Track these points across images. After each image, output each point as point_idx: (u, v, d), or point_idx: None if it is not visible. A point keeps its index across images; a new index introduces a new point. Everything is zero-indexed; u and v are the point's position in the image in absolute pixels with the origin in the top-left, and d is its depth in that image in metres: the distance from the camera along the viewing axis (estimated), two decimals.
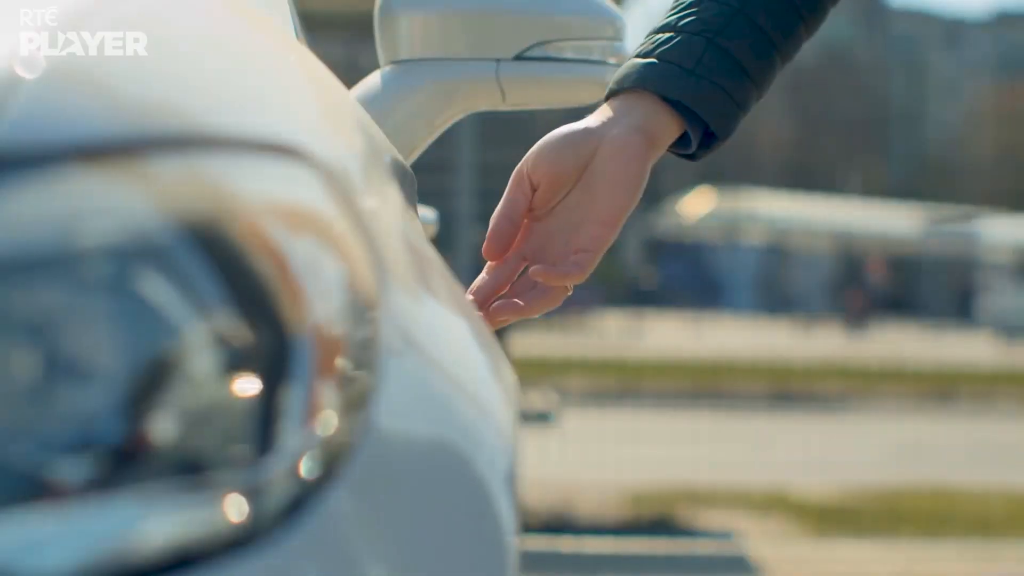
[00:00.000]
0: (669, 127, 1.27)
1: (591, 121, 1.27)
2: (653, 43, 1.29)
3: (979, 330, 34.96)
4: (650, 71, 1.26)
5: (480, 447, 0.89)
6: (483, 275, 1.25)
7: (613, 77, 1.29)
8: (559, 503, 7.46)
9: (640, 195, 1.26)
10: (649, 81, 1.26)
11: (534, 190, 1.26)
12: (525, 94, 1.49)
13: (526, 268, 1.26)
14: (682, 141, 1.30)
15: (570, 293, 1.26)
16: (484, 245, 1.25)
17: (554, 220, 1.26)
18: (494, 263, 1.25)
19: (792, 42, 1.32)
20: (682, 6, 1.30)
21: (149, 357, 0.69)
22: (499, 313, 1.22)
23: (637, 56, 1.29)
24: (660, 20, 1.31)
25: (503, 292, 1.25)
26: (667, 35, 1.29)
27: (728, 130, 1.29)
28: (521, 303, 1.23)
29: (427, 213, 1.97)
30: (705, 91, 1.26)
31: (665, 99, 1.26)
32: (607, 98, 1.29)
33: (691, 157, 1.32)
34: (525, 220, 1.27)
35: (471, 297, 1.23)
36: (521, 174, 1.26)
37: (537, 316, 1.25)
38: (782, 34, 1.30)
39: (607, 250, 1.30)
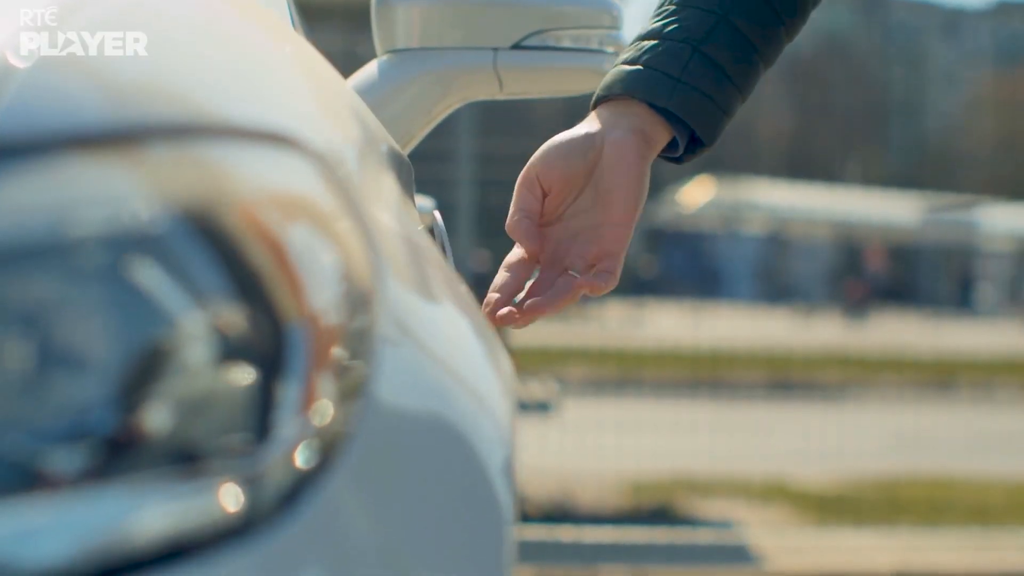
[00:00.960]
0: (660, 132, 1.29)
1: (589, 127, 1.28)
2: (639, 50, 1.31)
3: (979, 319, 34.96)
4: (638, 79, 1.28)
5: (477, 436, 0.88)
6: (503, 273, 1.26)
7: (601, 83, 1.31)
8: (559, 492, 7.46)
9: (646, 194, 1.29)
10: (638, 90, 1.28)
11: (545, 195, 1.28)
12: (523, 83, 1.49)
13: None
14: (669, 145, 1.32)
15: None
16: (522, 247, 1.27)
17: (567, 225, 1.29)
18: (512, 263, 1.27)
19: (773, 46, 1.34)
20: (666, 13, 1.32)
21: (144, 346, 0.69)
22: (533, 311, 1.24)
23: (624, 63, 1.30)
24: (644, 27, 1.33)
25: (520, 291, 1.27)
26: (652, 42, 1.30)
27: (714, 136, 1.31)
28: (549, 301, 1.24)
29: (425, 203, 1.97)
30: (692, 99, 1.28)
31: (653, 107, 1.28)
32: (595, 104, 1.30)
33: (677, 160, 1.34)
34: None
35: (497, 295, 1.24)
36: (531, 179, 1.27)
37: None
38: (763, 39, 1.32)
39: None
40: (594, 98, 1.31)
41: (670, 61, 1.28)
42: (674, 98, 1.27)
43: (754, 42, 1.32)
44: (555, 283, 1.26)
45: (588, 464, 7.96)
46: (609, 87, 1.30)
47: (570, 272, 1.26)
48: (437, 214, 1.33)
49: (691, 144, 1.32)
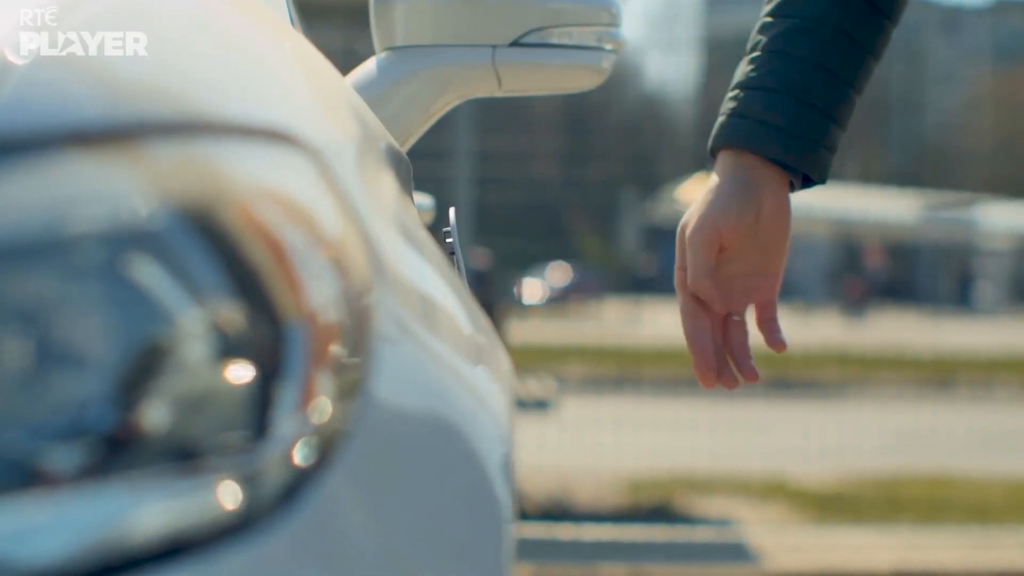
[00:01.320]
0: (785, 179, 1.41)
1: (744, 180, 1.38)
2: (742, 100, 1.40)
3: (978, 317, 34.96)
4: (754, 133, 1.38)
5: (476, 434, 0.88)
6: (693, 330, 1.39)
7: (715, 133, 1.40)
8: (557, 490, 7.46)
9: None
10: (754, 143, 1.38)
11: (722, 250, 1.38)
12: (521, 80, 1.48)
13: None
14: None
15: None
16: (714, 305, 1.38)
17: (723, 270, 1.39)
18: (694, 317, 1.39)
19: (865, 78, 1.44)
20: (759, 61, 1.41)
21: (143, 343, 0.69)
22: (749, 379, 1.39)
23: (732, 114, 1.40)
24: (741, 74, 1.41)
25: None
26: (755, 92, 1.39)
27: (825, 176, 1.43)
28: (750, 361, 1.39)
29: (423, 200, 1.96)
30: (811, 152, 1.39)
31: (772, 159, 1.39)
32: (715, 150, 1.40)
33: None
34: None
35: (701, 357, 1.38)
36: (712, 237, 1.37)
37: None
38: (856, 75, 1.42)
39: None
40: (711, 146, 1.40)
41: (777, 114, 1.38)
42: (790, 152, 1.37)
43: (849, 79, 1.41)
44: (732, 335, 1.39)
45: (587, 462, 7.96)
46: (722, 139, 1.39)
47: (734, 317, 1.40)
48: (452, 214, 1.32)
49: (803, 181, 1.43)
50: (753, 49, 1.42)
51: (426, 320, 0.88)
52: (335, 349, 0.74)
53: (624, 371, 14.78)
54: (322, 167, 0.82)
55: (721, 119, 1.41)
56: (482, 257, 9.95)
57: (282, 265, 0.74)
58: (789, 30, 1.40)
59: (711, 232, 1.37)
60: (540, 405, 8.05)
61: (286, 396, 0.71)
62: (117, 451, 0.67)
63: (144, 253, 0.70)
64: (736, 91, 1.41)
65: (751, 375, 1.39)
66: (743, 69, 1.41)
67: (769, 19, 1.42)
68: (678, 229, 1.40)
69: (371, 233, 0.83)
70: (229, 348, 0.70)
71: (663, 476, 8.02)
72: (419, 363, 0.84)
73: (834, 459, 8.71)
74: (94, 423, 0.67)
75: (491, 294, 8.89)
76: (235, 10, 1.00)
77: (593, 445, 7.95)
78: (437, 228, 1.37)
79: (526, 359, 11.78)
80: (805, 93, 1.38)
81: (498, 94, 1.49)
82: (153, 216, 0.71)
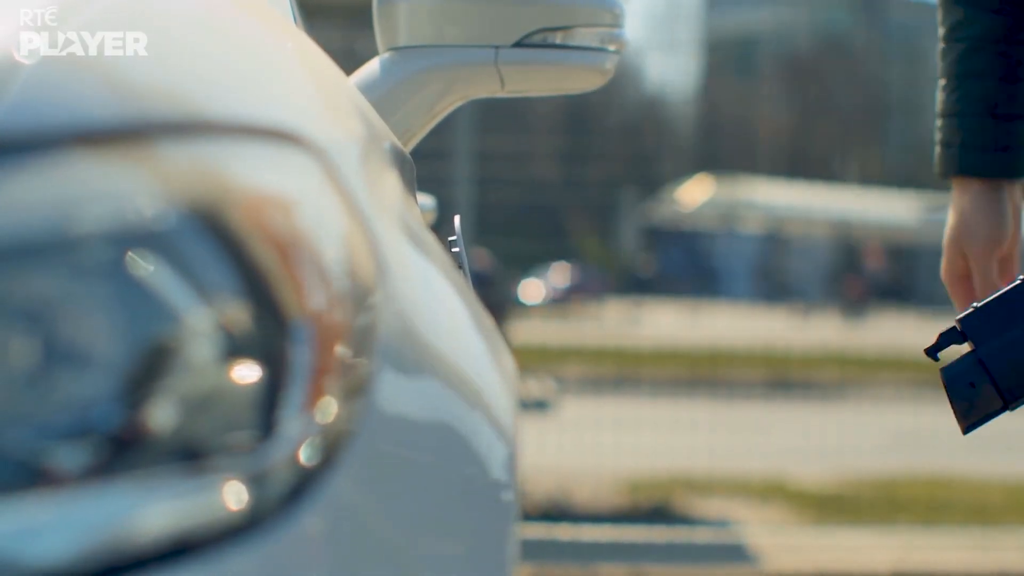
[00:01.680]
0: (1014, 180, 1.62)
1: (998, 198, 1.59)
2: (945, 130, 1.58)
3: None
4: (966, 159, 1.59)
5: (479, 434, 0.88)
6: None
7: (939, 165, 1.63)
8: (557, 491, 7.46)
9: None
10: (970, 169, 1.59)
11: None
12: (524, 81, 1.48)
13: None
14: None
15: None
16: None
17: None
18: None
19: None
20: (950, 88, 1.56)
21: (149, 343, 0.69)
22: None
23: (943, 144, 1.58)
24: (938, 103, 1.58)
25: None
26: (954, 119, 1.56)
27: None
28: None
29: (425, 200, 1.97)
30: (1017, 158, 1.56)
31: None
32: (951, 174, 1.62)
33: None
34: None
35: None
36: (997, 255, 1.61)
37: None
38: None
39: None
40: (945, 174, 1.62)
41: (977, 134, 1.55)
42: (998, 165, 1.55)
43: None
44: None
45: (586, 462, 7.96)
46: (944, 169, 1.61)
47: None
48: (456, 222, 1.32)
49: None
50: (941, 77, 1.56)
51: (430, 320, 0.88)
52: (340, 349, 0.74)
53: (624, 371, 14.77)
54: (327, 167, 0.82)
55: (937, 149, 1.58)
56: (485, 259, 9.95)
57: (287, 265, 0.74)
58: (963, 53, 1.54)
59: (996, 251, 1.59)
60: (540, 405, 8.06)
61: (292, 396, 0.71)
62: (123, 450, 0.67)
63: (150, 253, 0.70)
64: (939, 120, 1.57)
65: None
66: (939, 98, 1.57)
67: (943, 45, 1.55)
68: (946, 239, 1.63)
69: (376, 233, 0.83)
70: (235, 348, 0.70)
71: (662, 476, 8.01)
72: (423, 363, 0.84)
73: (833, 460, 8.71)
74: (100, 422, 0.67)
75: (494, 296, 8.90)
76: (238, 10, 1.00)
77: (593, 445, 7.95)
78: (439, 228, 1.37)
79: (526, 359, 11.77)
80: (995, 107, 1.53)
81: (501, 95, 1.49)
82: (158, 216, 0.71)
